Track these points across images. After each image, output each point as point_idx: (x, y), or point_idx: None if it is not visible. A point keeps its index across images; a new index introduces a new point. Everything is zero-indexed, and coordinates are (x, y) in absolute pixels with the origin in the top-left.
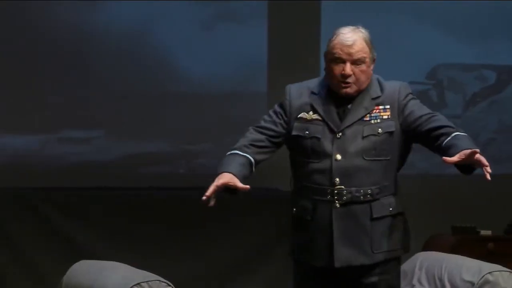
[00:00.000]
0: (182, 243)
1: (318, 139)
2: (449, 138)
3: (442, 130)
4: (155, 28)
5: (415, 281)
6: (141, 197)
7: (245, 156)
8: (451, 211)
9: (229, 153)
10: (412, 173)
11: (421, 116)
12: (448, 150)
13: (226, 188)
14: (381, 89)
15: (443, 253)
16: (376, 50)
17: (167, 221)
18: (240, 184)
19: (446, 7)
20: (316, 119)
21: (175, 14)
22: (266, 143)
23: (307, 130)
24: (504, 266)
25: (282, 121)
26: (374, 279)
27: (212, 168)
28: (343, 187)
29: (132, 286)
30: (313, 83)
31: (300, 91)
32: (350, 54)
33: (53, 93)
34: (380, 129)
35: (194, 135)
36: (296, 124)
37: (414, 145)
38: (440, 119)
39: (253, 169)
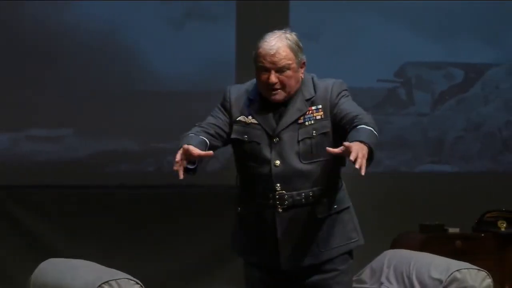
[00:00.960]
0: (151, 241)
1: (258, 143)
2: (351, 131)
3: (354, 124)
4: (124, 27)
5: (383, 279)
6: (109, 195)
7: (201, 138)
8: (419, 209)
9: (184, 135)
10: (379, 171)
11: (346, 114)
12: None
13: (189, 160)
14: (315, 89)
15: (411, 251)
16: (344, 49)
17: (136, 219)
18: (202, 152)
19: (414, 5)
20: (254, 123)
21: (144, 13)
22: (214, 136)
23: (246, 134)
24: (472, 263)
25: (226, 121)
26: (324, 276)
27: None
28: (284, 192)
29: (100, 285)
30: (250, 86)
31: (239, 94)
32: (273, 63)
33: (21, 91)
34: (314, 131)
35: (163, 133)
36: (235, 126)
37: (381, 142)
38: (361, 117)
39: (207, 148)
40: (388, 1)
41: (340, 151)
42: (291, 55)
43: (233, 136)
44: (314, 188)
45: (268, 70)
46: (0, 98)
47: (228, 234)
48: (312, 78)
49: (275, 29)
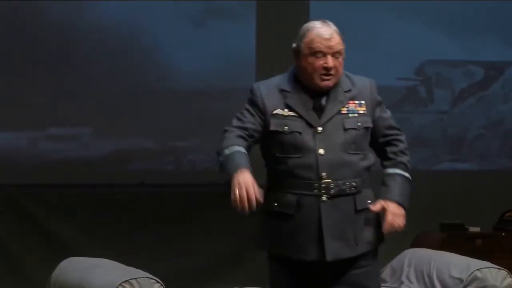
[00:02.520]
0: (170, 241)
1: (300, 133)
2: (389, 172)
3: (391, 157)
4: (144, 25)
5: (404, 278)
6: (129, 194)
7: (245, 152)
8: (439, 208)
9: (231, 150)
10: None
11: (386, 131)
12: (382, 186)
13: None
14: (351, 83)
15: (431, 250)
16: (364, 47)
17: (155, 218)
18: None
19: (434, 4)
20: (292, 115)
21: (164, 11)
22: (249, 141)
23: (285, 126)
24: (492, 262)
25: (258, 119)
26: (356, 271)
27: (200, 164)
28: (330, 180)
29: (121, 283)
30: (278, 80)
31: (269, 89)
32: (330, 47)
33: (41, 90)
34: (359, 123)
35: (182, 132)
36: (273, 120)
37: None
38: (399, 148)
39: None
40: (407, 0)
41: (378, 209)
42: (342, 42)
43: (272, 128)
44: (356, 179)
45: (324, 55)
46: (19, 98)
47: (246, 233)
48: (344, 72)
49: (296, 28)
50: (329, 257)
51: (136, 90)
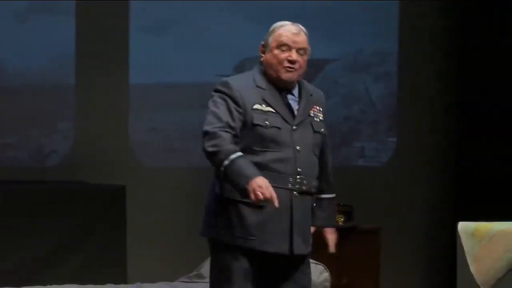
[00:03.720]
0: None
1: (279, 129)
2: (328, 202)
3: (323, 177)
4: None
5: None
6: None
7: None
8: None
9: (235, 156)
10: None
11: (324, 149)
12: (315, 209)
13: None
14: (310, 89)
15: None
16: (186, 44)
17: None
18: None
19: (254, 1)
20: (270, 111)
21: None
22: (237, 139)
23: (266, 120)
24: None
25: (238, 114)
26: (303, 267)
27: (21, 161)
28: (303, 176)
29: None
30: (250, 77)
31: (243, 84)
32: (295, 42)
33: None
34: (322, 129)
35: (1, 128)
36: (254, 114)
37: None
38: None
39: None
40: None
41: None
42: (307, 42)
43: (255, 122)
44: (316, 179)
45: (290, 48)
46: None
47: (62, 233)
48: (303, 80)
49: (114, 26)
50: (296, 250)
51: None
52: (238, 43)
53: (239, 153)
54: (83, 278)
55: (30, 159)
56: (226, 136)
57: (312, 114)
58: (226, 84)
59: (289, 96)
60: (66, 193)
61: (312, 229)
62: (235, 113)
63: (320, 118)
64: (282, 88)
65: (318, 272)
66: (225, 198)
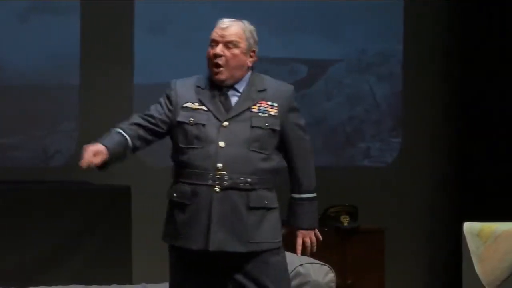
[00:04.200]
0: None
1: (203, 125)
2: (296, 202)
3: (292, 176)
4: None
5: None
6: None
7: (125, 136)
8: None
9: (112, 129)
10: None
11: (292, 139)
12: (288, 214)
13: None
14: (269, 85)
15: None
16: (189, 43)
17: None
18: (97, 159)
19: (259, 2)
20: (201, 109)
21: None
22: (148, 131)
23: (192, 118)
24: (314, 258)
25: (166, 110)
26: (248, 268)
27: (24, 161)
28: (225, 172)
29: None
30: (197, 79)
31: (186, 85)
32: (223, 36)
33: None
34: (266, 123)
35: (5, 128)
36: (181, 112)
37: None
38: (297, 159)
39: (127, 152)
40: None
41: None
42: (242, 35)
43: (179, 119)
44: (253, 176)
45: (216, 44)
46: None
47: (65, 232)
48: (264, 76)
49: (119, 25)
50: (212, 247)
51: None
52: None
53: (118, 129)
54: (88, 278)
55: (34, 159)
56: (135, 117)
57: (255, 110)
58: (169, 83)
59: (231, 92)
60: (71, 193)
61: (284, 228)
62: (163, 108)
63: (271, 113)
64: (222, 85)
65: (324, 273)
66: (168, 199)
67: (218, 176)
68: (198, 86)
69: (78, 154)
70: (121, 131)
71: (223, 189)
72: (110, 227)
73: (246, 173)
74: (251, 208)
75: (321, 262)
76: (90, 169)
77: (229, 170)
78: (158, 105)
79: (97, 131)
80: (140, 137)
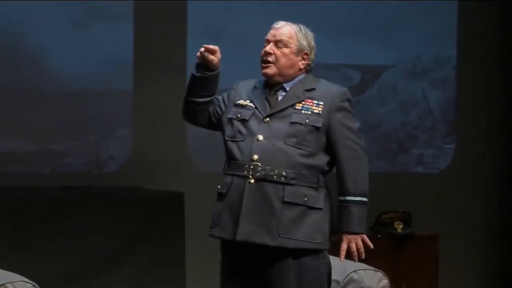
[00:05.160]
0: (46, 243)
1: (246, 120)
2: (343, 205)
3: (338, 178)
4: (22, 25)
5: None
6: (4, 197)
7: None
8: None
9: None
10: None
11: (340, 139)
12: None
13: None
14: (320, 85)
15: None
16: (242, 49)
17: (31, 221)
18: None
19: (312, 6)
20: (249, 105)
21: (42, 10)
22: (214, 105)
23: (239, 113)
24: (368, 264)
25: (223, 104)
26: (284, 268)
27: (78, 167)
28: (259, 163)
29: None
30: (257, 81)
31: (247, 84)
32: (274, 35)
33: None
34: (307, 120)
35: (59, 134)
36: (233, 109)
37: None
38: (343, 160)
39: (212, 93)
40: (284, 1)
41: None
42: (293, 36)
43: (228, 116)
44: (288, 170)
45: (268, 43)
46: None
47: (123, 235)
48: (318, 78)
49: (172, 29)
50: (239, 237)
51: (12, 91)
52: None
53: None
54: (141, 284)
55: (88, 165)
56: None
57: (299, 107)
58: (234, 83)
59: (280, 92)
60: (124, 199)
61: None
62: (222, 102)
63: (314, 111)
64: (273, 85)
65: (377, 279)
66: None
67: (252, 167)
68: (255, 87)
69: (132, 160)
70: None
71: (257, 180)
72: (163, 233)
73: (282, 167)
74: (286, 202)
75: (375, 269)
76: (204, 55)
77: (263, 162)
78: (221, 97)
79: (151, 137)
80: (213, 105)
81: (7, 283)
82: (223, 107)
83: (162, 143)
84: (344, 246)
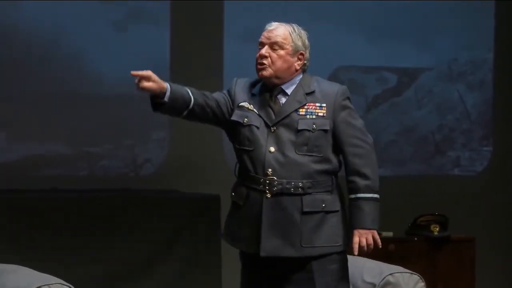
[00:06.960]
0: (83, 246)
1: (257, 127)
2: (353, 203)
3: (347, 177)
4: (61, 29)
5: None
6: (41, 200)
7: (189, 96)
8: None
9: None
10: None
11: (347, 138)
12: (349, 215)
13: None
14: (318, 86)
15: None
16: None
17: (68, 224)
18: (148, 84)
19: (347, 8)
20: (253, 111)
21: (84, 14)
22: (209, 108)
23: (246, 118)
24: (405, 267)
25: (225, 102)
26: (307, 275)
27: (113, 170)
28: (274, 177)
29: None
30: (253, 82)
31: (245, 85)
32: (268, 38)
33: None
34: (314, 125)
35: (96, 137)
36: (237, 111)
37: None
38: (351, 158)
39: (184, 109)
40: (320, 1)
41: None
42: (288, 37)
43: (233, 118)
44: (304, 181)
45: (263, 45)
46: None
47: (160, 238)
48: (314, 77)
49: (209, 29)
50: (263, 253)
51: (49, 94)
52: (332, 51)
53: (187, 88)
54: (177, 286)
55: (124, 168)
56: (205, 91)
57: (302, 112)
58: (232, 81)
59: (280, 96)
60: (160, 201)
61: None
62: (223, 97)
63: (319, 114)
64: (272, 88)
65: (414, 282)
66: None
67: (268, 182)
68: (252, 90)
69: (168, 163)
70: (189, 91)
71: (274, 194)
72: (200, 235)
73: (297, 178)
74: (305, 213)
75: (411, 271)
76: (137, 80)
77: (278, 175)
78: (221, 95)
79: (187, 140)
80: (201, 106)
81: (44, 285)
82: (229, 106)
83: (198, 146)
84: (356, 239)
